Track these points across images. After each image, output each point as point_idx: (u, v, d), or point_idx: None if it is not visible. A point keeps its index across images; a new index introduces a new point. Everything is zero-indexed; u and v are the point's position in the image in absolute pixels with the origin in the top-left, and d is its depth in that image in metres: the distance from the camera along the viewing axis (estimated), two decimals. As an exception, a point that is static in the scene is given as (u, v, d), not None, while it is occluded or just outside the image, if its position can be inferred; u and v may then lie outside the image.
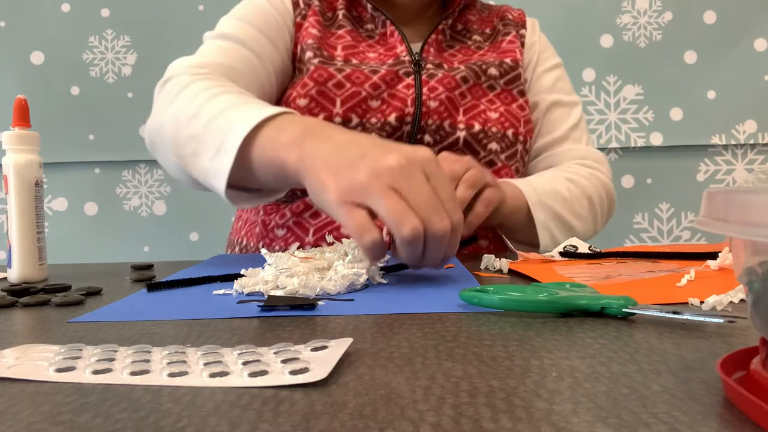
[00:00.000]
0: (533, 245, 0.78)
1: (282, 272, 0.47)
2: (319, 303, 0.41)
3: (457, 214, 0.49)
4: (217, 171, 0.58)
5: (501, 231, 0.78)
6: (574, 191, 0.82)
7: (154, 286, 0.49)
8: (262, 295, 0.45)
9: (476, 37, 0.91)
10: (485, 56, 0.88)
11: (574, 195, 0.82)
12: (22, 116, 0.58)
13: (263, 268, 0.50)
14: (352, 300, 0.42)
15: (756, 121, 1.50)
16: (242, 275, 0.49)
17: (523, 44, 0.92)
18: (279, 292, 0.44)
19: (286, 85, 0.85)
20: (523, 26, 0.94)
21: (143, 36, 1.55)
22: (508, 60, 0.87)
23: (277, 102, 0.87)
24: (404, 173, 0.47)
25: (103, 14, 1.55)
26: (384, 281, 0.49)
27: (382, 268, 0.53)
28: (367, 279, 0.47)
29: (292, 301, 0.40)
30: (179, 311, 0.40)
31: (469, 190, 0.63)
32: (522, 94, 0.88)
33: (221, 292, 0.47)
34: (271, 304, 0.39)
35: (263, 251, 0.54)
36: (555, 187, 0.80)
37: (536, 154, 0.92)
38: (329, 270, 0.48)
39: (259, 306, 0.39)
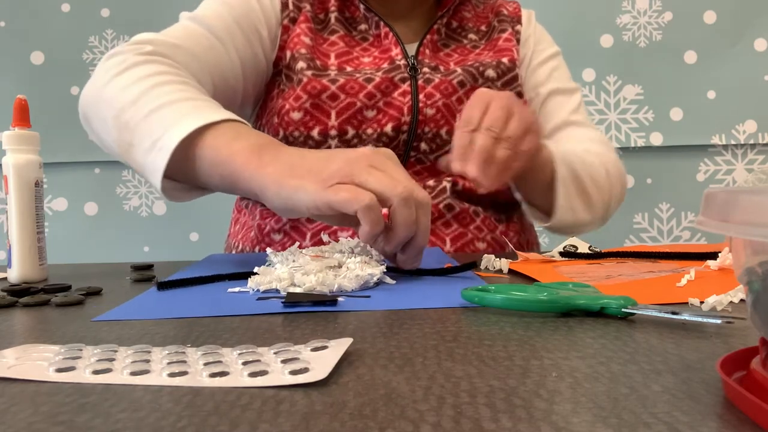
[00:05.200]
0: (546, 211, 0.77)
1: (297, 270, 0.47)
2: (339, 299, 0.42)
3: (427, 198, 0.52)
4: (153, 167, 0.58)
5: (519, 189, 0.77)
6: (591, 160, 0.80)
7: (164, 285, 0.48)
8: (278, 292, 0.45)
9: (472, 35, 0.89)
10: (481, 56, 0.87)
11: (593, 163, 0.80)
12: (22, 116, 0.58)
13: (273, 267, 0.51)
14: (368, 296, 0.43)
15: (756, 121, 1.50)
16: (255, 273, 0.49)
17: (518, 41, 0.90)
18: (297, 290, 0.44)
19: (261, 83, 0.84)
20: (519, 21, 0.91)
21: (143, 36, 1.55)
22: (505, 60, 0.86)
23: (258, 103, 0.86)
24: (376, 159, 0.52)
25: (103, 14, 1.55)
26: (393, 281, 0.50)
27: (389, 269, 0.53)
28: (378, 278, 0.48)
29: (314, 298, 0.41)
30: (201, 308, 0.40)
31: (510, 153, 0.62)
32: (520, 95, 0.87)
33: (236, 290, 0.47)
34: (292, 300, 0.40)
35: (268, 251, 0.56)
36: (576, 151, 0.79)
37: None
38: (340, 268, 0.49)
39: (282, 302, 0.40)
